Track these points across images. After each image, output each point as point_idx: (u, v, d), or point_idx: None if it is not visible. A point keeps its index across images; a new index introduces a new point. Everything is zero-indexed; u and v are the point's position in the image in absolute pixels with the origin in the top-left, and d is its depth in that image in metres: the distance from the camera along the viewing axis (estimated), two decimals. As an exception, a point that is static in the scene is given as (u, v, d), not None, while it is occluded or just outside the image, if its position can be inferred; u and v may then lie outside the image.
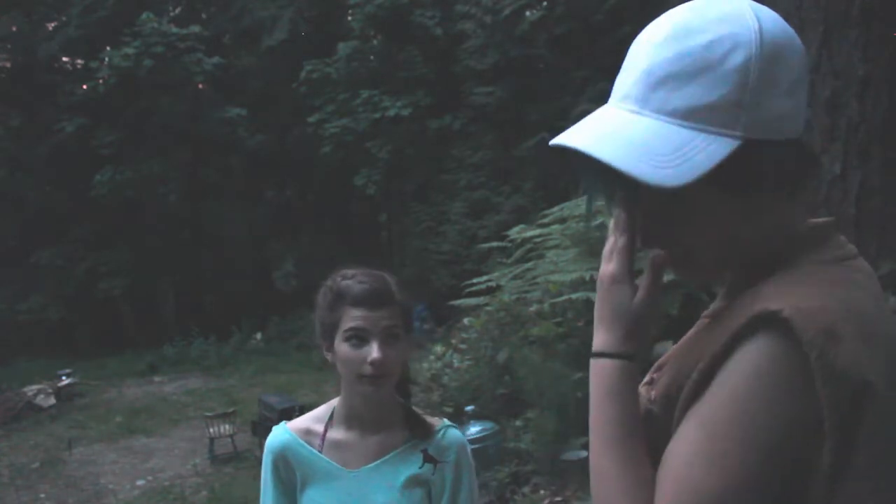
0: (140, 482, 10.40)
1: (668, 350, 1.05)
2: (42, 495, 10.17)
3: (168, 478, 10.47)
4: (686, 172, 0.83)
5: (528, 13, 18.21)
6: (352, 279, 1.62)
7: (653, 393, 0.96)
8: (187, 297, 23.70)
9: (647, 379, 1.01)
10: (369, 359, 1.56)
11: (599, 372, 0.94)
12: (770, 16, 0.87)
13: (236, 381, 16.57)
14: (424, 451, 1.63)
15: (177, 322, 21.84)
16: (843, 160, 3.46)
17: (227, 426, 11.30)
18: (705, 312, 1.01)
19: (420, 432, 1.66)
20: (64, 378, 15.77)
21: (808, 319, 0.79)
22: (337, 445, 1.67)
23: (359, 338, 1.58)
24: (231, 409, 11.87)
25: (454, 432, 1.69)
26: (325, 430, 1.69)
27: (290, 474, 1.65)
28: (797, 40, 0.88)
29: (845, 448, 0.79)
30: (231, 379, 16.97)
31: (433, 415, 1.77)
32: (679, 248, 0.94)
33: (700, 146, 0.84)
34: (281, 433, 1.69)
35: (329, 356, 1.64)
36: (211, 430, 11.22)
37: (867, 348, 0.80)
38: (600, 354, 0.94)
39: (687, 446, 0.82)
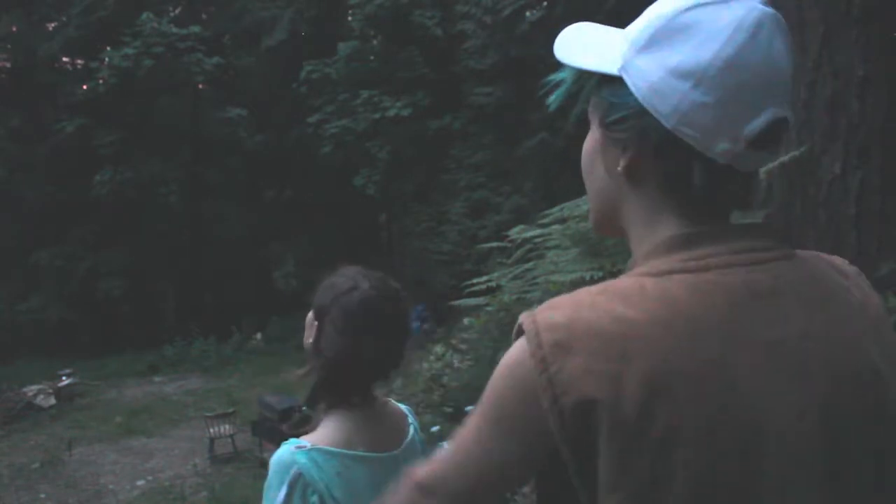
0: (140, 482, 10.39)
1: None
2: (42, 495, 10.16)
3: (168, 478, 10.46)
4: (566, 54, 0.96)
5: (528, 13, 18.16)
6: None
7: None
8: (187, 297, 23.70)
9: None
10: None
11: None
12: (749, 15, 0.80)
13: (236, 381, 16.56)
14: None
15: (177, 322, 21.83)
16: (843, 160, 3.45)
17: (227, 426, 11.30)
18: None
19: None
20: (64, 378, 15.77)
21: (544, 332, 0.79)
22: None
23: None
24: (231, 409, 11.87)
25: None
26: None
27: None
28: (751, 56, 0.79)
29: (583, 459, 0.78)
30: (231, 379, 16.96)
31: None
32: None
33: (602, 49, 0.91)
34: None
35: None
36: (211, 430, 11.22)
37: (607, 365, 0.76)
38: None
39: None
